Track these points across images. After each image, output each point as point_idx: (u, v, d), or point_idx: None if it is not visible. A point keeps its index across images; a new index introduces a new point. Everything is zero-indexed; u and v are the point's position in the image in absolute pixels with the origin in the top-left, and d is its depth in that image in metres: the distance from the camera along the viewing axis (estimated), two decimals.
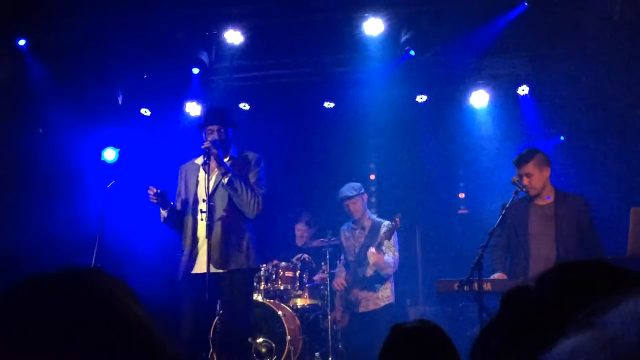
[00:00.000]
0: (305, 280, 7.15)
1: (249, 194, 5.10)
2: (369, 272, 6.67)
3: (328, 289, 7.03)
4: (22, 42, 7.19)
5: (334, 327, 6.93)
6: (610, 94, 7.07)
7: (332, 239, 7.23)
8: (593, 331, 0.70)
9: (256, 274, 6.95)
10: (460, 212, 8.84)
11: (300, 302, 7.13)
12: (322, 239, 7.36)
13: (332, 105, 8.49)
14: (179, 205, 5.30)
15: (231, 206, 5.13)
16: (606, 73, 6.96)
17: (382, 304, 6.75)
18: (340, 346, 6.98)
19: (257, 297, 6.85)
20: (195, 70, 7.71)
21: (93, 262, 5.54)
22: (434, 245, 8.60)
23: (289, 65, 8.04)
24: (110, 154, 8.12)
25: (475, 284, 4.75)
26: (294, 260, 7.28)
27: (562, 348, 0.72)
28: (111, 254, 6.33)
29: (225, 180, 5.06)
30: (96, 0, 6.82)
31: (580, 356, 0.69)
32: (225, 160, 5.26)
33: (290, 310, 6.86)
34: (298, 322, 6.81)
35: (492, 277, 5.20)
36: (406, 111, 8.24)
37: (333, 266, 7.19)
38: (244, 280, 5.22)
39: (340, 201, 6.99)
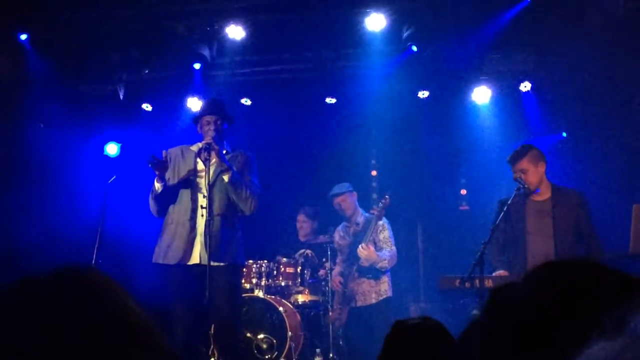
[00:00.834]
0: (306, 276, 7.14)
1: (248, 192, 5.11)
2: (364, 263, 6.64)
3: (329, 285, 7.02)
4: (23, 37, 7.17)
5: (335, 323, 6.92)
6: (613, 90, 7.05)
7: (334, 235, 7.23)
8: (626, 338, 0.69)
9: (257, 270, 6.97)
10: (461, 208, 8.83)
11: (301, 298, 7.13)
12: (324, 235, 7.37)
13: (333, 100, 8.47)
14: (169, 185, 5.18)
15: (228, 201, 5.14)
16: (609, 69, 6.94)
17: (380, 298, 6.72)
18: (341, 342, 6.97)
19: (258, 293, 6.86)
20: (197, 66, 7.69)
21: (94, 258, 5.54)
22: (436, 241, 8.59)
23: (291, 60, 8.03)
24: (112, 149, 8.12)
25: (477, 281, 4.74)
26: (296, 255, 7.28)
27: (592, 353, 0.70)
28: (112, 249, 6.33)
29: (227, 177, 5.06)
30: None
31: None
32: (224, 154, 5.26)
33: (291, 306, 6.87)
34: (299, 318, 6.81)
35: (494, 274, 5.18)
36: (408, 107, 8.22)
37: (335, 263, 7.18)
38: (237, 274, 5.27)
39: (331, 200, 7.00)
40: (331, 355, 6.74)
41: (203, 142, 5.12)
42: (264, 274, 6.97)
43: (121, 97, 8.22)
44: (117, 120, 8.19)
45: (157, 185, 5.12)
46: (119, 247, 7.03)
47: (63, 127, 7.57)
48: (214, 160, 5.07)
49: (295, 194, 8.27)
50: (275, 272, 7.02)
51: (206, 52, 7.55)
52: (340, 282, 6.87)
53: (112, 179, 6.12)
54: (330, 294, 6.97)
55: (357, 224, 6.95)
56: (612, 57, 6.83)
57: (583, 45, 7.01)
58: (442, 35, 7.10)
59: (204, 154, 5.02)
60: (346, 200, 6.96)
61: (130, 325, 1.00)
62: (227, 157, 5.23)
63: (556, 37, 7.10)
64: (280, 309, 6.62)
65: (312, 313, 7.19)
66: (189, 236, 5.04)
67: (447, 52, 7.38)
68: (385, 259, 6.62)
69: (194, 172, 5.21)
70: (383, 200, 6.67)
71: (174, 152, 5.37)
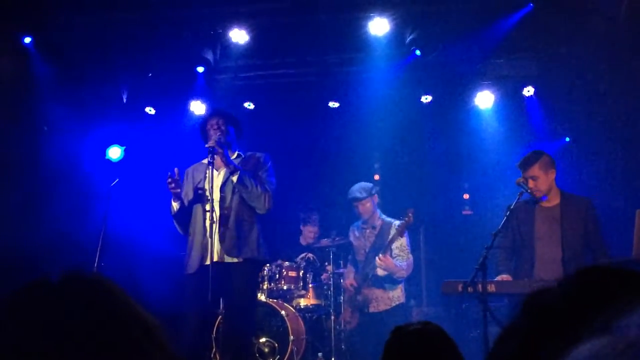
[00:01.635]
0: (308, 280, 7.13)
1: (259, 189, 5.16)
2: (380, 272, 6.62)
3: (331, 289, 7.01)
4: (27, 40, 7.20)
5: (338, 327, 6.91)
6: (616, 94, 7.05)
7: (337, 239, 7.21)
8: (610, 336, 0.69)
9: (260, 273, 6.96)
10: (464, 213, 8.82)
11: (303, 302, 7.11)
12: (326, 239, 7.35)
13: (336, 105, 8.48)
14: (186, 203, 5.32)
15: (241, 200, 5.19)
16: (612, 74, 6.94)
17: (393, 304, 6.72)
18: (343, 346, 6.96)
19: (261, 296, 6.85)
20: (200, 69, 7.71)
21: (96, 261, 5.54)
22: (438, 246, 8.58)
23: (294, 64, 8.04)
24: (115, 152, 8.12)
25: (480, 285, 4.73)
26: (298, 259, 7.27)
27: (578, 353, 0.71)
28: (115, 252, 6.33)
29: (235, 178, 5.11)
30: None
31: None
32: (233, 157, 5.33)
33: (294, 310, 6.86)
34: (301, 322, 6.80)
35: (497, 278, 5.18)
36: (411, 111, 8.22)
37: (337, 266, 7.17)
38: (254, 271, 5.29)
39: (350, 201, 6.97)
40: (333, 359, 6.73)
41: (207, 145, 5.16)
42: (266, 277, 6.96)
43: (124, 100, 8.24)
44: (120, 123, 8.20)
45: (174, 205, 5.26)
46: (122, 250, 7.03)
47: (67, 130, 7.58)
48: (220, 162, 5.17)
49: (298, 198, 8.27)
50: (277, 275, 7.01)
51: (210, 56, 7.56)
52: (352, 286, 6.84)
53: (115, 182, 6.12)
54: (332, 298, 6.96)
55: (374, 228, 6.89)
56: (614, 62, 6.83)
57: (586, 49, 7.02)
58: (446, 40, 7.10)
59: (208, 158, 5.08)
60: (367, 204, 6.88)
61: (133, 329, 1.00)
62: (237, 160, 5.31)
63: (559, 41, 7.11)
64: (282, 312, 6.61)
65: (314, 317, 7.18)
66: (204, 238, 5.09)
67: (451, 57, 7.39)
68: (402, 269, 6.61)
69: (204, 181, 5.25)
70: (406, 218, 6.57)
71: (190, 169, 5.52)
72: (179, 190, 5.19)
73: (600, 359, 0.67)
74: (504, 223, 5.00)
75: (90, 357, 0.94)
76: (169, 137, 8.06)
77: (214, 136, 5.24)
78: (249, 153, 5.49)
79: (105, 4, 6.91)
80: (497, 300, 5.45)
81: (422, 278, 8.62)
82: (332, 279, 7.02)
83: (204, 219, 5.14)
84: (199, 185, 5.28)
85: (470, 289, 4.77)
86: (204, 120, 5.52)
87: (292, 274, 7.05)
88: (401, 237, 6.63)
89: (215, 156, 5.11)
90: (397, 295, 6.74)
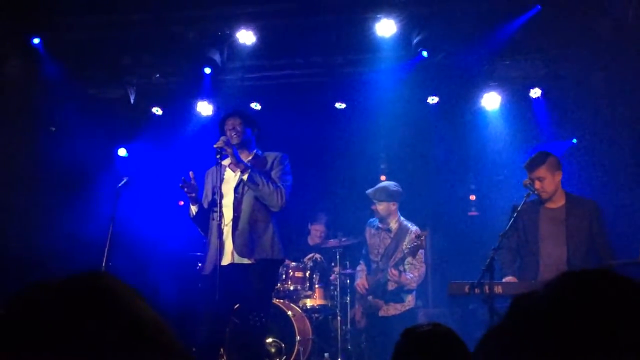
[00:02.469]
0: (315, 280, 7.14)
1: (271, 186, 5.17)
2: (391, 286, 6.57)
3: (338, 289, 7.01)
4: (36, 41, 7.23)
5: (344, 327, 6.92)
6: (623, 96, 7.04)
7: (343, 240, 7.20)
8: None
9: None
10: (470, 214, 8.81)
11: (310, 303, 7.13)
12: (334, 240, 7.35)
13: (343, 106, 8.49)
14: (205, 205, 5.37)
15: (255, 200, 5.21)
16: (619, 75, 6.93)
17: (404, 309, 6.63)
18: (349, 347, 6.97)
19: None
20: (207, 70, 7.72)
21: (104, 261, 5.56)
22: (444, 247, 8.57)
23: (301, 65, 8.05)
24: (123, 153, 8.19)
25: (487, 287, 4.73)
26: (305, 260, 7.27)
27: None
28: (124, 252, 6.35)
29: (245, 176, 5.12)
30: (110, 0, 6.85)
31: None
32: (248, 158, 5.35)
33: (300, 311, 6.87)
34: (307, 322, 6.81)
35: (503, 280, 5.17)
36: (418, 113, 8.22)
37: (344, 267, 7.18)
38: (268, 271, 5.28)
39: (369, 197, 6.90)
40: (339, 359, 6.74)
41: (215, 145, 5.18)
42: None
43: (132, 100, 8.27)
44: (127, 123, 8.23)
45: (193, 208, 5.30)
46: (131, 250, 7.05)
47: (74, 131, 7.61)
48: (228, 162, 5.21)
49: (304, 199, 8.26)
50: (284, 276, 7.02)
51: (217, 57, 7.58)
52: (365, 287, 6.77)
53: (123, 181, 6.14)
54: (339, 298, 6.96)
55: (389, 231, 6.76)
56: (622, 63, 6.82)
57: (593, 51, 7.01)
58: (453, 41, 7.10)
59: (218, 157, 5.14)
60: (382, 206, 6.72)
61: (144, 329, 1.01)
62: (251, 159, 5.35)
63: (566, 43, 7.10)
64: (289, 313, 6.63)
65: (320, 317, 7.20)
66: (219, 240, 5.11)
67: (457, 58, 7.38)
68: (413, 280, 6.52)
69: (222, 179, 5.28)
70: (418, 241, 6.33)
71: (209, 171, 5.54)
72: (194, 194, 5.22)
73: None
74: (511, 224, 5.00)
75: (102, 358, 0.95)
76: (176, 138, 8.09)
77: (228, 132, 5.31)
78: (266, 153, 5.51)
79: (113, 5, 6.94)
80: (503, 301, 5.45)
81: (429, 279, 8.60)
82: (338, 280, 7.03)
83: (220, 221, 5.16)
84: (220, 190, 5.31)
85: (477, 290, 4.77)
86: (222, 120, 5.53)
87: (299, 274, 7.06)
88: (413, 257, 6.41)
89: (222, 155, 5.15)
90: (408, 299, 6.67)
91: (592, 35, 6.77)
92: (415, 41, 7.18)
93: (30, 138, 7.38)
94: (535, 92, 7.77)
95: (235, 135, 5.31)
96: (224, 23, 7.36)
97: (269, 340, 6.60)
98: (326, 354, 6.90)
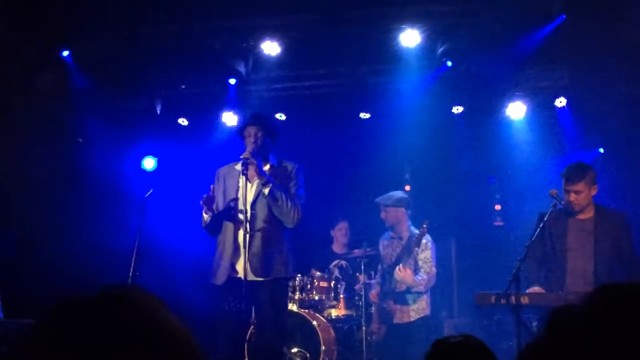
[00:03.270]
0: (340, 290, 7.14)
1: (289, 204, 5.14)
2: (399, 287, 6.61)
3: (363, 299, 7.01)
4: (65, 53, 7.34)
5: (369, 338, 6.90)
6: None
7: (368, 250, 7.19)
8: None
9: (291, 284, 6.99)
10: (496, 224, 8.76)
11: (334, 313, 7.12)
12: (358, 250, 7.35)
13: (367, 116, 8.49)
14: (215, 209, 5.31)
15: (271, 216, 5.18)
16: None
17: (417, 316, 6.64)
18: (374, 358, 6.95)
19: (292, 307, 6.87)
20: (232, 81, 7.79)
21: (131, 271, 5.61)
22: (469, 257, 8.53)
23: (325, 76, 8.08)
24: (149, 163, 8.24)
25: (513, 297, 4.72)
26: (331, 266, 7.28)
27: None
28: (151, 262, 6.40)
29: (267, 190, 5.10)
30: (137, 12, 6.93)
31: None
32: (266, 168, 5.30)
33: (325, 321, 6.87)
34: (332, 332, 6.80)
35: (528, 290, 5.14)
36: (442, 122, 8.20)
37: (368, 276, 7.17)
38: (283, 289, 5.30)
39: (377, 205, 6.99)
40: None
41: (241, 156, 5.17)
42: (297, 288, 6.99)
43: (158, 111, 8.35)
44: (154, 134, 8.31)
45: (206, 217, 5.25)
46: (158, 260, 7.11)
47: (101, 141, 7.70)
48: (253, 173, 5.15)
49: (329, 209, 8.28)
50: (309, 286, 7.03)
51: (241, 68, 7.64)
52: (378, 295, 6.82)
53: (149, 192, 6.20)
54: (363, 309, 6.95)
55: (400, 239, 6.86)
56: None
57: (618, 59, 6.95)
58: (477, 51, 7.09)
59: (242, 169, 5.08)
60: (389, 212, 6.87)
61: (172, 343, 1.02)
62: (269, 170, 5.29)
63: (592, 52, 7.05)
64: (314, 323, 6.63)
65: (345, 327, 7.19)
66: (234, 254, 5.11)
67: (482, 68, 7.36)
68: (421, 283, 6.54)
69: (237, 187, 5.26)
70: (420, 229, 6.55)
71: (222, 172, 5.47)
72: (211, 205, 5.19)
73: None
74: (537, 233, 4.97)
75: None
76: (202, 148, 8.15)
77: (248, 146, 5.24)
78: (281, 162, 5.47)
79: (139, 18, 7.02)
80: (530, 312, 5.41)
81: (454, 289, 8.57)
82: (363, 290, 7.02)
83: (235, 234, 5.15)
84: (231, 197, 5.29)
85: (503, 301, 4.75)
86: (243, 125, 5.48)
87: (324, 284, 7.06)
88: (417, 247, 6.57)
89: (248, 167, 5.11)
90: (421, 307, 6.68)
91: (617, 44, 6.71)
92: (439, 51, 7.18)
93: (59, 149, 7.47)
94: (561, 102, 7.73)
95: (254, 143, 5.24)
96: (249, 34, 7.41)
97: (294, 350, 6.61)
98: None
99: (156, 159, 8.26)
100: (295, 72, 8.00)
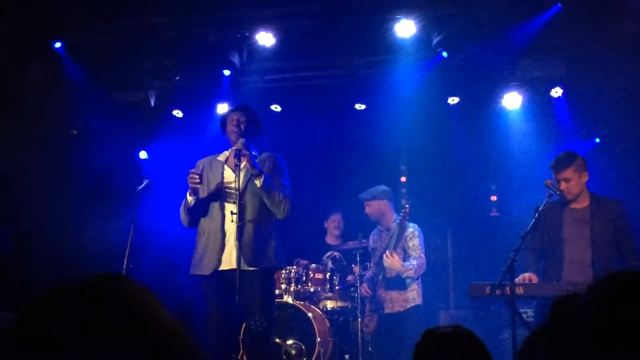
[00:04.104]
0: (335, 282, 7.13)
1: (281, 195, 5.10)
2: (389, 273, 6.62)
3: (358, 291, 7.01)
4: (58, 45, 7.30)
5: (364, 329, 6.90)
6: None
7: (363, 241, 7.19)
8: None
9: (286, 276, 6.98)
10: (492, 214, 8.77)
11: (330, 304, 7.12)
12: (353, 241, 7.34)
13: (363, 107, 8.47)
14: (200, 197, 5.18)
15: (261, 206, 5.12)
16: None
17: (408, 305, 6.63)
18: (370, 348, 6.95)
19: (287, 298, 6.87)
20: (227, 72, 7.75)
21: (125, 263, 5.59)
22: (465, 248, 8.54)
23: (320, 67, 8.05)
24: (144, 155, 8.24)
25: (508, 288, 4.71)
26: (324, 258, 7.28)
27: None
28: (144, 254, 6.39)
29: (259, 182, 5.04)
30: (130, 3, 6.90)
31: None
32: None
33: (320, 312, 6.87)
34: (328, 324, 6.81)
35: (521, 275, 5.10)
36: (438, 113, 8.18)
37: (364, 268, 7.17)
38: (271, 278, 5.27)
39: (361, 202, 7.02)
40: None
41: (232, 148, 5.13)
42: (292, 279, 6.98)
43: (152, 103, 8.32)
44: (148, 126, 8.28)
45: (190, 199, 5.13)
46: (151, 252, 7.09)
47: (95, 133, 7.68)
48: (243, 164, 5.06)
49: (324, 200, 8.28)
50: (304, 277, 7.03)
51: (236, 59, 7.61)
52: (367, 291, 6.82)
53: (143, 184, 6.17)
54: (359, 300, 6.95)
55: (389, 230, 6.86)
56: None
57: (614, 50, 6.93)
58: (473, 42, 7.06)
59: (235, 160, 5.00)
60: (372, 206, 6.92)
61: (163, 334, 1.01)
62: (256, 161, 5.23)
63: (588, 43, 7.03)
64: (309, 314, 6.63)
65: (341, 319, 7.19)
66: (221, 244, 5.04)
67: (478, 58, 7.34)
68: (410, 269, 6.52)
69: (222, 182, 5.19)
70: (403, 211, 6.62)
71: (202, 163, 5.37)
72: (199, 185, 5.08)
73: None
74: (532, 225, 4.97)
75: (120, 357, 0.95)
76: (197, 140, 8.12)
77: (231, 135, 5.21)
78: (263, 154, 5.37)
79: (133, 9, 6.99)
80: (525, 303, 5.41)
81: (450, 280, 8.59)
82: (358, 281, 7.02)
83: (222, 224, 5.07)
84: (217, 186, 5.17)
85: (498, 292, 4.75)
86: (226, 113, 5.45)
87: (319, 276, 7.06)
88: (404, 230, 6.62)
89: (241, 158, 5.01)
90: (412, 296, 6.66)
91: (613, 34, 6.69)
92: (435, 42, 7.15)
93: (52, 141, 7.44)
94: (557, 92, 7.71)
95: (236, 127, 5.18)
96: (243, 25, 7.38)
97: (290, 342, 6.62)
98: (347, 356, 6.89)
99: (149, 151, 8.24)
100: (290, 63, 7.97)
